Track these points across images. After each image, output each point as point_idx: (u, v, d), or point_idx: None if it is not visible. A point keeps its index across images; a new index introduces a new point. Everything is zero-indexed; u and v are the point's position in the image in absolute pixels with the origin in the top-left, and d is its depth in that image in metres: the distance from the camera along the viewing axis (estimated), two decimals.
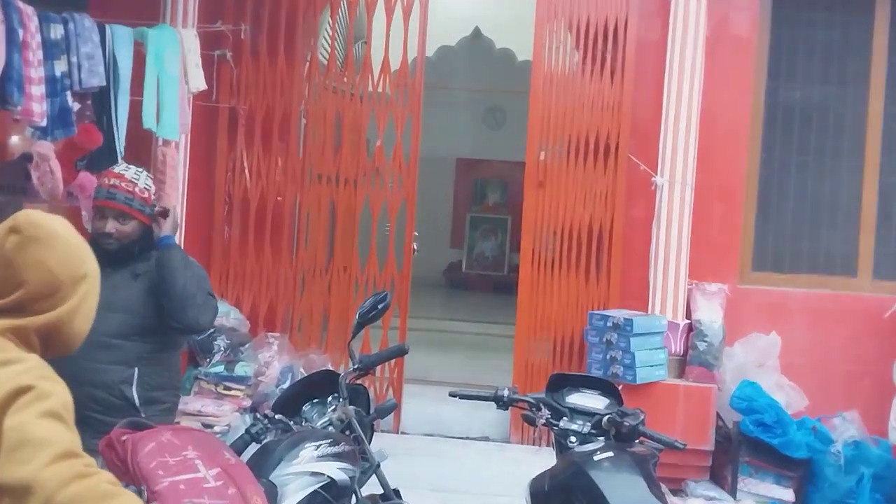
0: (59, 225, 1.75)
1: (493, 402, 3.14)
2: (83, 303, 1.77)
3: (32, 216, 1.74)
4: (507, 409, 3.18)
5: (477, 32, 9.06)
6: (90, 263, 1.78)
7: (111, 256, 3.13)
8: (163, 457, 2.34)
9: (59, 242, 1.73)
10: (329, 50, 5.88)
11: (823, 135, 5.54)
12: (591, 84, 5.32)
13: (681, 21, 5.10)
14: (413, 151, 5.60)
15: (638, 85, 5.30)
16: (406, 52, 5.48)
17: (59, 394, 1.65)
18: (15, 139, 4.53)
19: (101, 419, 3.04)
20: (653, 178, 5.18)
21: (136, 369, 3.09)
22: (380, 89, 5.62)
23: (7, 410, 1.56)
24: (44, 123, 3.77)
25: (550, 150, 5.40)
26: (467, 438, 5.46)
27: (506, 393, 3.11)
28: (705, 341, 5.09)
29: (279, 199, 5.61)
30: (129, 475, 2.36)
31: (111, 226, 3.10)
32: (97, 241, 3.11)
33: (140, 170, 3.24)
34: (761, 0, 5.45)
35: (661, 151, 5.16)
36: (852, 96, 5.52)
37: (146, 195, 3.15)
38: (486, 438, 5.48)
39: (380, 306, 3.26)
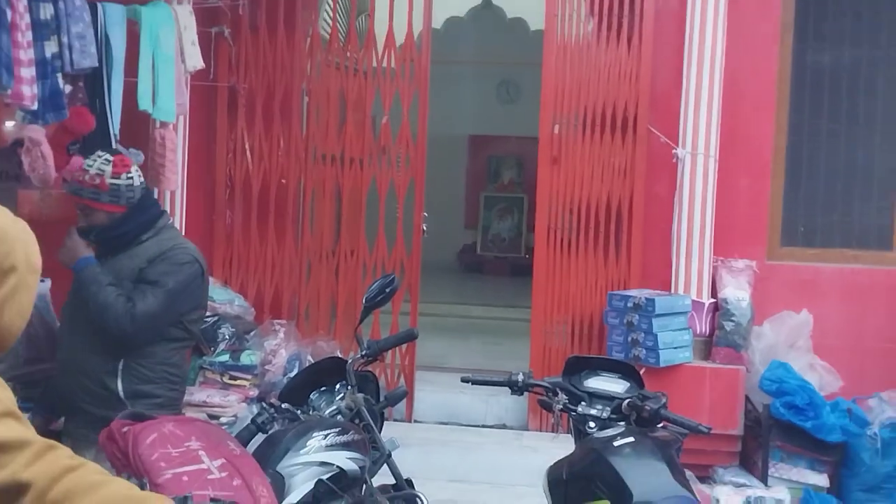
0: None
1: (507, 388, 3.16)
2: (11, 297, 1.66)
3: None
4: (522, 394, 3.19)
5: (487, 2, 9.03)
6: (20, 254, 1.67)
7: (105, 247, 3.24)
8: (165, 448, 2.37)
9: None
10: (331, 24, 5.87)
11: (855, 100, 5.48)
12: (606, 53, 5.30)
13: None
14: (421, 129, 5.58)
15: (656, 52, 5.27)
16: (411, 24, 5.46)
17: (3, 395, 1.58)
18: (4, 126, 4.57)
19: (90, 410, 3.14)
20: (674, 151, 5.15)
21: (122, 361, 3.16)
22: (385, 64, 5.61)
23: None
24: (34, 107, 3.74)
25: (565, 124, 5.38)
26: (483, 426, 5.49)
27: (520, 377, 3.12)
28: (732, 321, 5.07)
29: (283, 180, 5.63)
30: (130, 467, 2.40)
31: (81, 220, 3.22)
32: (97, 239, 3.24)
33: (100, 154, 3.30)
34: None
35: (682, 122, 5.13)
36: (885, 58, 5.46)
37: (98, 181, 3.19)
38: (503, 426, 5.50)
39: (387, 290, 3.28)
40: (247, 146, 5.57)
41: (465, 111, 12.03)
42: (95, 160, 3.25)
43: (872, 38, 5.48)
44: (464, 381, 3.31)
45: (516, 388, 3.13)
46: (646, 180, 5.30)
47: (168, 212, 3.49)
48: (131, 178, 3.25)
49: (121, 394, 3.13)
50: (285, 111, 5.60)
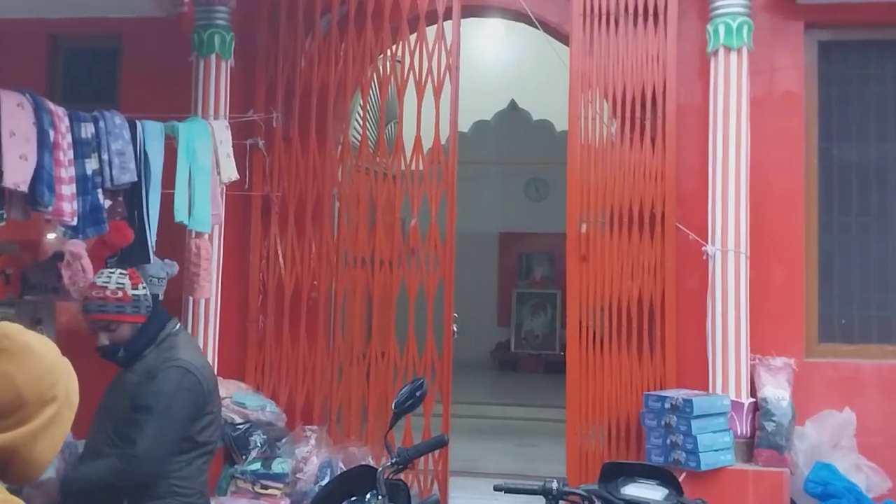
0: (35, 341, 1.70)
1: (541, 496, 3.11)
2: (48, 428, 1.69)
3: (8, 327, 1.69)
4: (557, 503, 3.13)
5: (513, 105, 9.23)
6: (63, 388, 1.71)
7: (123, 362, 3.21)
8: None
9: (31, 359, 1.67)
10: (361, 132, 6.00)
11: (883, 193, 5.47)
12: (631, 152, 5.33)
13: (722, 83, 5.11)
14: (449, 229, 5.61)
15: (681, 151, 5.31)
16: (438, 129, 5.56)
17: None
18: (46, 238, 4.68)
19: None
20: (703, 248, 5.14)
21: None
22: (413, 168, 5.68)
23: None
24: (74, 222, 3.84)
25: (592, 222, 5.38)
26: None
27: (555, 485, 3.06)
28: (773, 421, 4.96)
29: (314, 283, 5.66)
30: None
31: (103, 338, 3.17)
32: (101, 350, 3.20)
33: (112, 270, 3.31)
34: (807, 56, 5.46)
35: (711, 219, 5.13)
36: None
37: (120, 294, 3.21)
38: None
39: (417, 394, 3.27)
40: (279, 252, 5.64)
41: (495, 209, 12.19)
42: (110, 276, 3.27)
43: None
44: (496, 489, 3.26)
45: (551, 497, 3.07)
46: (677, 277, 5.25)
47: (177, 317, 3.46)
48: (145, 287, 3.30)
49: None
50: (317, 216, 5.67)
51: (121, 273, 3.29)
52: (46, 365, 1.68)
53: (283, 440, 4.99)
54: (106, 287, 3.20)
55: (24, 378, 1.65)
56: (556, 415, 6.89)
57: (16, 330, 1.70)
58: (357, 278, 5.69)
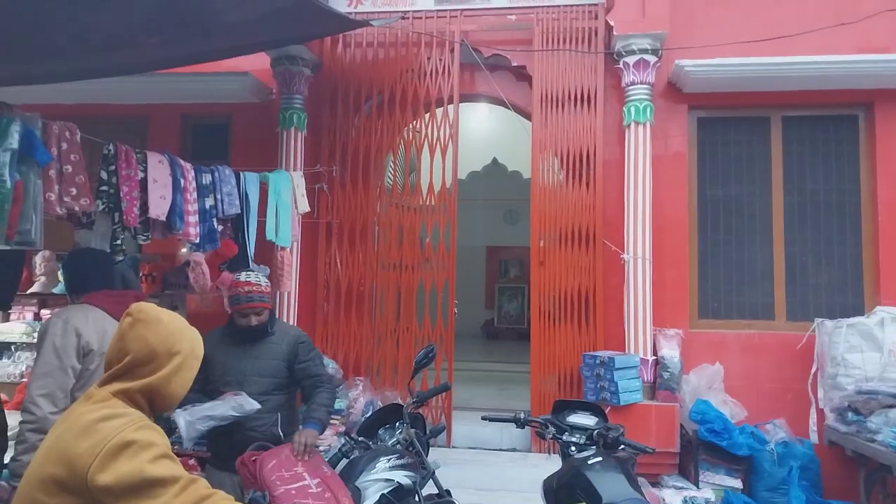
0: (162, 313, 1.72)
1: (513, 424, 3.12)
2: (177, 373, 1.69)
3: (143, 305, 1.71)
4: (523, 427, 3.13)
5: (495, 160, 9.24)
6: (186, 344, 1.70)
7: (253, 336, 3.14)
8: (279, 471, 2.36)
9: (159, 325, 1.69)
10: (392, 178, 6.02)
11: (741, 219, 5.47)
12: (573, 192, 5.33)
13: (633, 146, 5.11)
14: (452, 244, 5.58)
15: (606, 191, 5.31)
16: (444, 177, 5.57)
17: (159, 440, 1.59)
18: (179, 252, 4.72)
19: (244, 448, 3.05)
20: (621, 256, 5.14)
21: (279, 414, 3.09)
22: (427, 203, 5.67)
23: (117, 459, 1.50)
24: (197, 241, 3.88)
25: (548, 239, 5.38)
26: (500, 450, 5.34)
27: (522, 416, 3.08)
28: (668, 371, 4.97)
29: (361, 281, 5.66)
30: (256, 485, 2.39)
31: (255, 320, 3.11)
32: (244, 331, 3.12)
33: (257, 272, 3.26)
34: (689, 127, 5.48)
35: (626, 236, 5.13)
36: (759, 191, 5.46)
37: (266, 289, 3.21)
38: (514, 449, 5.35)
39: (430, 355, 3.27)
40: (337, 260, 5.64)
41: (483, 230, 12.14)
42: (256, 276, 3.19)
43: (749, 178, 5.48)
44: (483, 419, 3.27)
45: (520, 424, 3.09)
46: (604, 276, 5.26)
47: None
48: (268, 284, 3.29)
49: (281, 437, 3.01)
50: (362, 236, 5.68)
51: (261, 275, 3.25)
52: (171, 329, 1.70)
53: (341, 386, 5.01)
54: (260, 284, 3.15)
55: (155, 338, 1.67)
56: (524, 368, 6.85)
57: (149, 306, 1.73)
58: (390, 278, 5.68)
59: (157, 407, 1.70)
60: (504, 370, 8.62)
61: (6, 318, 5.35)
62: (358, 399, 4.89)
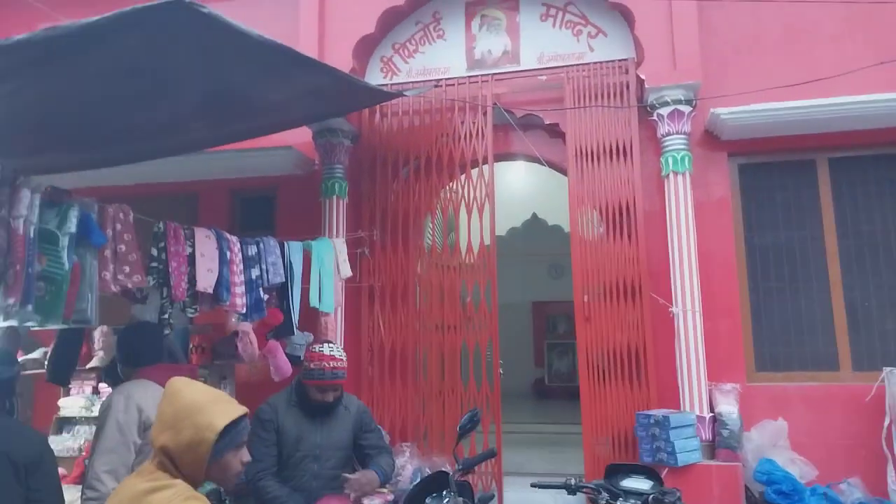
0: (186, 387, 1.84)
1: (564, 490, 3.07)
2: (196, 445, 1.76)
3: (174, 380, 1.85)
4: (575, 494, 3.08)
5: (534, 216, 9.29)
6: (201, 418, 1.78)
7: (326, 409, 3.20)
8: None
9: (177, 397, 1.81)
10: (432, 239, 6.12)
11: (792, 265, 5.34)
12: (614, 245, 5.31)
13: (673, 196, 5.11)
14: (493, 302, 5.58)
15: (649, 242, 5.27)
16: (482, 236, 5.62)
17: None
18: (229, 322, 4.87)
19: None
20: (669, 309, 5.07)
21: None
22: (467, 262, 5.70)
23: None
24: (244, 311, 3.98)
25: (592, 294, 5.32)
26: None
27: (573, 482, 3.04)
28: (727, 429, 4.79)
29: (405, 344, 5.68)
30: None
31: (332, 396, 3.17)
32: (317, 405, 3.17)
33: (335, 345, 3.31)
34: (731, 174, 5.45)
35: (673, 288, 5.06)
36: (811, 236, 5.34)
37: (343, 364, 3.24)
38: None
39: (474, 419, 3.27)
40: (380, 323, 5.70)
41: (528, 286, 12.12)
42: (333, 349, 3.22)
43: (798, 223, 5.38)
44: (533, 486, 3.23)
45: (571, 490, 3.04)
46: (653, 330, 5.15)
47: None
48: None
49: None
50: (404, 298, 5.74)
51: (339, 349, 3.27)
52: (186, 402, 1.81)
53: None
54: (343, 359, 3.19)
55: (172, 410, 1.80)
56: (577, 429, 6.71)
57: (177, 380, 1.87)
58: (433, 339, 5.67)
59: (194, 477, 1.77)
60: (556, 431, 8.44)
61: (66, 394, 5.57)
62: (405, 466, 4.86)
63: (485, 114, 5.65)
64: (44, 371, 4.24)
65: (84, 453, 5.15)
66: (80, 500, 2.69)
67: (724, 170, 5.41)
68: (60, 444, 5.32)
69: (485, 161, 5.65)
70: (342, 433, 3.16)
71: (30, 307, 2.81)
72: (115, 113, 3.28)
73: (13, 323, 3.03)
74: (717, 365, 5.07)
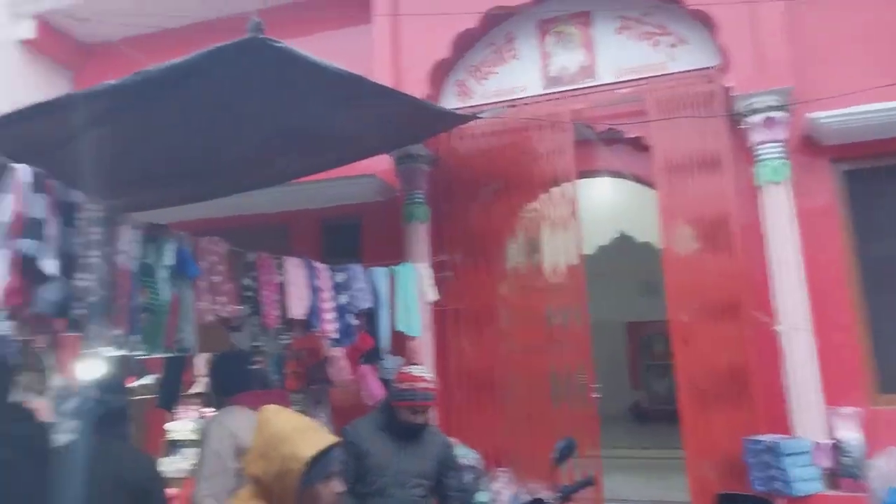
0: (276, 415, 1.86)
1: None
2: (283, 475, 1.76)
3: (266, 407, 1.88)
4: None
5: (623, 233, 9.01)
6: (286, 448, 1.77)
7: (412, 432, 3.13)
8: None
9: (267, 426, 1.83)
10: (515, 260, 6.02)
11: None
12: (710, 260, 5.03)
13: (770, 207, 4.81)
14: (584, 323, 5.38)
15: (746, 256, 4.96)
16: (567, 255, 5.46)
17: None
18: (320, 348, 4.98)
19: None
20: (774, 327, 4.72)
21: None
22: (553, 282, 5.53)
23: None
24: (336, 336, 4.11)
25: (689, 313, 5.05)
26: None
27: None
28: (849, 456, 4.39)
29: (491, 368, 5.58)
30: None
31: (422, 418, 3.11)
32: (406, 429, 3.11)
33: (422, 368, 3.28)
34: (835, 181, 5.06)
35: (775, 304, 4.73)
36: None
37: (433, 385, 3.17)
38: None
39: (570, 446, 3.16)
40: (466, 346, 5.63)
41: (620, 306, 11.76)
42: (423, 371, 3.19)
43: None
44: None
45: None
46: (757, 349, 4.81)
47: None
48: None
49: None
50: (489, 320, 5.64)
51: (426, 370, 3.26)
52: (274, 430, 1.83)
53: (483, 478, 4.89)
54: (433, 382, 3.15)
55: (262, 439, 1.83)
56: (678, 454, 6.36)
57: (269, 409, 1.89)
58: (520, 361, 5.53)
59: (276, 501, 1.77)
60: (656, 457, 8.05)
61: (173, 418, 5.88)
62: (502, 492, 4.76)
63: (565, 131, 5.55)
64: (154, 397, 4.48)
65: (192, 475, 5.39)
66: None
67: (827, 177, 5.04)
68: (171, 465, 5.59)
69: (567, 179, 5.53)
70: (428, 462, 3.11)
71: (135, 337, 2.98)
72: (203, 149, 3.46)
73: (123, 353, 3.22)
74: (833, 386, 4.66)
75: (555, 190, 5.61)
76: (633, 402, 12.21)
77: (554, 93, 5.70)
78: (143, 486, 2.55)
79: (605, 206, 8.20)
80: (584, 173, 5.79)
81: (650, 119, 5.30)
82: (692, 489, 4.87)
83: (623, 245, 9.74)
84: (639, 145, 5.50)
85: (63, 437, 2.68)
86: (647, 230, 8.20)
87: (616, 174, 5.72)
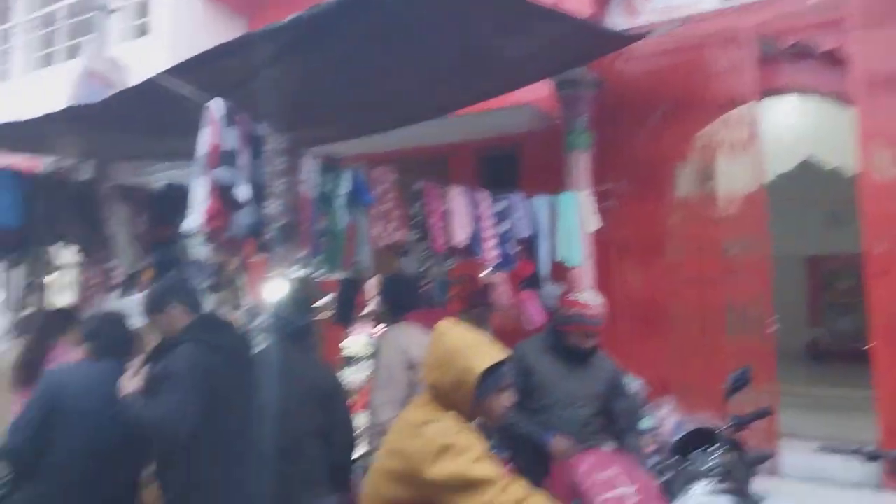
0: (452, 330, 1.89)
1: (861, 457, 2.67)
2: (458, 387, 1.82)
3: (443, 323, 1.92)
4: (876, 461, 2.67)
5: (808, 159, 8.13)
6: (460, 361, 1.82)
7: (581, 356, 3.14)
8: (594, 475, 2.34)
9: (444, 339, 1.87)
10: (687, 188, 5.67)
11: None
12: None
13: None
14: (763, 255, 5.03)
15: None
16: (746, 182, 5.09)
17: (476, 444, 1.72)
18: (481, 274, 5.10)
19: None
20: None
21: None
22: (730, 212, 5.21)
23: (442, 460, 1.67)
24: (498, 262, 4.18)
25: (889, 243, 4.51)
26: (842, 485, 4.57)
27: (868, 450, 2.64)
28: None
29: (658, 298, 5.41)
30: (575, 495, 2.42)
31: (590, 342, 3.12)
32: (574, 352, 3.12)
33: (594, 294, 3.28)
34: None
35: None
36: None
37: (603, 310, 3.17)
38: (860, 485, 4.52)
39: (745, 376, 3.01)
40: (631, 276, 5.52)
41: (801, 238, 10.79)
42: (593, 296, 3.20)
43: None
44: (823, 450, 2.85)
45: (871, 457, 2.65)
46: None
47: None
48: None
49: None
50: (656, 251, 5.46)
51: (597, 295, 3.27)
52: (451, 344, 1.87)
53: (648, 405, 4.84)
54: (601, 306, 3.16)
55: (439, 351, 1.88)
56: (860, 394, 5.82)
57: (445, 324, 1.93)
58: (689, 293, 5.29)
59: (463, 413, 1.84)
60: (834, 395, 7.45)
61: (348, 335, 6.40)
62: (666, 418, 4.69)
63: (745, 46, 5.02)
64: (330, 315, 4.90)
65: (366, 385, 5.87)
66: (365, 425, 3.08)
67: None
68: (347, 377, 6.13)
69: (747, 99, 5.09)
70: (597, 384, 3.10)
71: (318, 258, 3.25)
72: (369, 83, 3.55)
73: (307, 272, 3.53)
74: None
75: (732, 112, 5.19)
76: (810, 339, 11.33)
77: (733, 5, 5.15)
78: (330, 393, 2.90)
79: (787, 130, 7.38)
80: (766, 93, 5.25)
81: (850, 29, 4.62)
82: (884, 429, 4.48)
83: (807, 172, 8.77)
84: (832, 59, 4.85)
85: (257, 348, 3.00)
86: (836, 154, 7.33)
87: (803, 92, 5.12)
